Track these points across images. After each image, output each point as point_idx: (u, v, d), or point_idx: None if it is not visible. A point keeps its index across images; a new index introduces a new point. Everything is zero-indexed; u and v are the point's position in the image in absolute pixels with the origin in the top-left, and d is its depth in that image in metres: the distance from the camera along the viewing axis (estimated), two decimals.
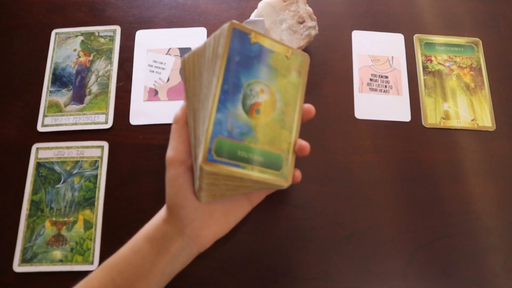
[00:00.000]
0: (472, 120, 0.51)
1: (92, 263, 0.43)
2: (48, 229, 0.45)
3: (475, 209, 0.47)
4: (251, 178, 0.33)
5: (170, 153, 0.38)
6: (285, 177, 0.35)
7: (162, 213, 0.38)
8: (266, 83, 0.36)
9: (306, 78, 0.38)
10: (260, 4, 0.50)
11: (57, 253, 0.44)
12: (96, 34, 0.54)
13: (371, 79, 0.52)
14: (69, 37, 0.54)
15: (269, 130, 0.35)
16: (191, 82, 0.38)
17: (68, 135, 0.49)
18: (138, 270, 0.36)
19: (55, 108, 0.50)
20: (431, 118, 0.51)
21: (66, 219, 0.45)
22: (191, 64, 0.38)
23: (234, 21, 0.35)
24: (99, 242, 0.44)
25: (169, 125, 0.49)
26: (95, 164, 0.48)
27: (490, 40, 0.55)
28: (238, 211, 0.40)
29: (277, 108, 0.36)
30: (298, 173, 0.37)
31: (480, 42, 0.55)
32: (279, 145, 0.35)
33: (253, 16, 0.50)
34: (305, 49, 0.53)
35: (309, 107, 0.38)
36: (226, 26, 0.35)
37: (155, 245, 0.36)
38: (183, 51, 0.53)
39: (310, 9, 0.50)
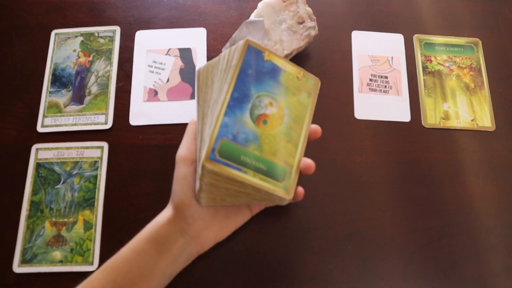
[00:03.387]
0: (472, 120, 0.51)
1: (92, 263, 0.43)
2: (48, 230, 0.45)
3: (475, 209, 0.47)
4: (252, 184, 0.33)
5: (182, 151, 0.38)
6: (287, 189, 0.35)
7: (166, 213, 0.39)
8: (276, 97, 0.37)
9: (315, 100, 0.39)
10: (259, 5, 0.50)
11: (57, 254, 0.44)
12: (96, 34, 0.54)
13: (370, 79, 0.52)
14: (68, 38, 0.54)
15: (274, 142, 0.35)
16: (203, 90, 0.39)
17: (67, 135, 0.49)
18: (140, 271, 0.36)
19: (54, 108, 0.50)
20: (431, 118, 0.51)
21: (66, 219, 0.45)
22: (205, 74, 0.39)
23: (250, 39, 0.36)
24: (99, 243, 0.44)
25: (169, 125, 0.50)
26: (95, 164, 0.47)
27: (490, 40, 0.55)
28: (238, 217, 0.40)
29: (284, 123, 0.36)
30: (301, 190, 0.37)
31: (480, 42, 0.55)
32: (284, 157, 0.35)
33: (252, 17, 0.50)
34: (305, 50, 0.53)
35: (317, 127, 0.38)
36: (241, 42, 0.37)
37: (157, 246, 0.37)
38: (183, 51, 0.53)
39: (309, 10, 0.50)
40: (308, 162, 0.37)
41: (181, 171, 0.38)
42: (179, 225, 0.37)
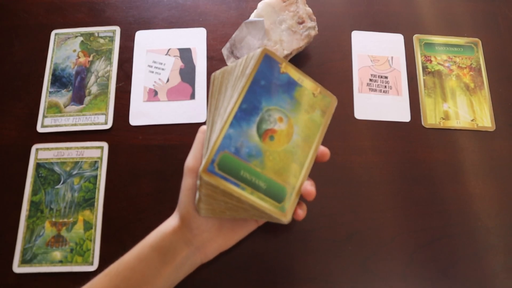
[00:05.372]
0: (472, 120, 0.51)
1: (92, 264, 0.43)
2: (48, 230, 0.45)
3: (475, 209, 0.47)
4: (249, 202, 0.32)
5: (191, 161, 0.37)
6: (285, 211, 0.33)
7: (171, 222, 0.38)
8: (287, 113, 0.35)
9: (329, 120, 0.37)
10: (259, 5, 0.50)
11: (57, 254, 0.44)
12: (96, 34, 0.54)
13: (370, 80, 0.52)
14: (68, 38, 0.54)
15: (279, 160, 0.34)
16: (216, 96, 0.38)
17: (67, 135, 0.49)
18: (143, 278, 0.36)
19: (54, 108, 0.50)
20: (431, 118, 0.51)
21: (65, 220, 0.45)
22: (219, 80, 0.38)
23: (268, 48, 0.35)
24: (98, 243, 0.44)
25: (169, 125, 0.50)
26: (94, 164, 0.47)
27: (490, 40, 0.55)
28: (244, 229, 0.40)
29: (292, 140, 0.35)
30: (301, 213, 0.35)
31: (480, 42, 0.55)
32: (286, 177, 0.34)
33: (252, 17, 0.50)
34: (305, 50, 0.53)
35: (325, 150, 0.37)
36: (258, 50, 0.35)
37: (161, 255, 0.36)
38: (182, 51, 0.53)
39: (309, 10, 0.50)
40: (309, 189, 0.34)
41: (188, 182, 0.37)
42: (184, 235, 0.37)
